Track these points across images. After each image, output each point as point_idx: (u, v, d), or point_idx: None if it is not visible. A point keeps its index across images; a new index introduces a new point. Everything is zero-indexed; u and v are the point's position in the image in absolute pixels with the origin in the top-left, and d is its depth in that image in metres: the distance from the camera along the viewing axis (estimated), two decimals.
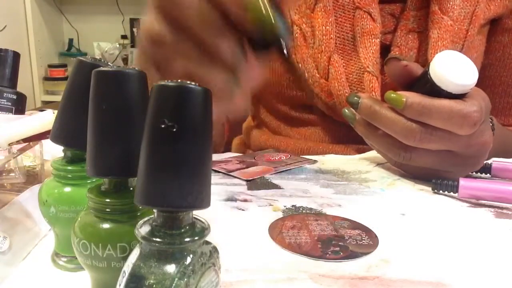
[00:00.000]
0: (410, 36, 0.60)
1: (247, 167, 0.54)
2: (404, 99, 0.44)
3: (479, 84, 0.46)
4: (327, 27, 0.58)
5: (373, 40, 0.58)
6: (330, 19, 0.58)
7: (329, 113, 0.63)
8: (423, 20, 0.60)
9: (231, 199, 0.45)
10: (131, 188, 0.26)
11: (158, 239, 0.21)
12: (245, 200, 0.45)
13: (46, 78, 2.39)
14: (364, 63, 0.58)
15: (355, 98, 0.48)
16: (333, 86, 0.59)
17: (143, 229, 0.22)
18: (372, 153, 0.60)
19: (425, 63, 0.58)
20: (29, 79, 2.31)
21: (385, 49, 0.60)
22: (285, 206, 0.43)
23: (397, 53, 0.60)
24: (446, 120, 0.44)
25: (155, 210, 0.22)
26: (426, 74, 0.45)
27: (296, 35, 0.60)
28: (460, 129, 0.44)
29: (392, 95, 0.45)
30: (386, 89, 0.61)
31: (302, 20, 0.59)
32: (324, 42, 0.58)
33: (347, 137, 0.64)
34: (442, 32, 0.58)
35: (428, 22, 0.59)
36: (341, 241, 0.37)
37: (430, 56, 0.58)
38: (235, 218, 0.41)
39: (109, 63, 0.29)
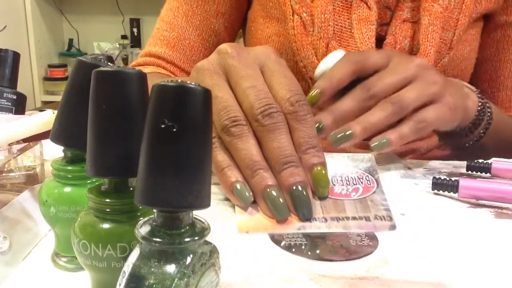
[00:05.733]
0: (404, 26, 0.62)
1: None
2: (316, 90, 0.46)
3: (477, 79, 0.46)
4: (325, 15, 0.60)
5: (369, 27, 0.60)
6: (329, 8, 0.60)
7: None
8: (416, 11, 0.62)
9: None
10: (131, 188, 0.26)
11: (158, 239, 0.21)
12: None
13: (46, 78, 2.39)
14: (360, 47, 0.60)
15: (318, 125, 0.44)
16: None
17: (143, 229, 0.22)
18: (372, 154, 0.60)
19: (418, 51, 0.61)
20: (29, 79, 2.31)
21: (381, 40, 0.62)
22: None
23: (392, 41, 0.62)
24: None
25: (155, 210, 0.22)
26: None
27: (297, 23, 0.62)
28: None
29: (308, 96, 0.46)
30: None
31: (302, 9, 0.61)
32: (323, 29, 0.60)
33: None
34: (432, 19, 0.60)
35: (420, 11, 0.62)
36: (341, 241, 0.36)
37: (421, 42, 0.60)
38: (235, 218, 0.41)
39: (109, 63, 0.29)
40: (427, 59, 0.59)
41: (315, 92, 0.46)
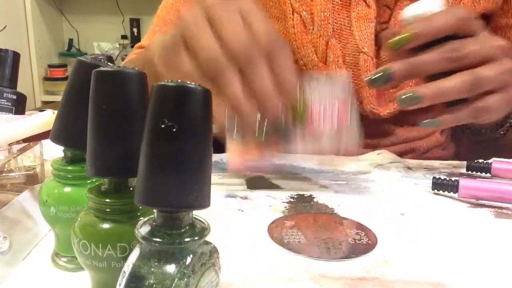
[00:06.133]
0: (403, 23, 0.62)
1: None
2: (410, 30, 0.44)
3: None
4: (325, 13, 0.61)
5: (368, 24, 0.61)
6: (328, 6, 0.61)
7: None
8: None
9: (231, 197, 0.45)
10: (131, 188, 0.26)
11: (158, 239, 0.21)
12: (245, 200, 0.45)
13: (46, 78, 2.39)
14: (360, 44, 0.60)
15: (386, 72, 0.44)
16: (331, 69, 0.61)
17: (143, 229, 0.22)
18: (372, 154, 0.60)
19: None
20: (29, 79, 2.31)
21: (380, 38, 0.62)
22: (284, 206, 0.43)
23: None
24: (450, 17, 0.44)
25: (155, 210, 0.22)
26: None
27: (297, 22, 0.62)
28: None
29: (399, 37, 0.44)
30: None
31: (302, 7, 0.62)
32: (323, 27, 0.61)
33: None
34: None
35: None
36: (341, 241, 0.37)
37: None
38: (235, 218, 0.41)
39: (109, 63, 0.29)
40: None
41: (409, 33, 0.44)
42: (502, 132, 0.56)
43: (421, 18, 0.45)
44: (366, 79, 0.46)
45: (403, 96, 0.44)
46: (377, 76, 0.45)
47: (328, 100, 0.43)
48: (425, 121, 0.45)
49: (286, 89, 0.40)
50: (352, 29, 0.61)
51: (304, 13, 0.62)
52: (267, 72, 0.39)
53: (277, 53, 0.40)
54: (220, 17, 0.40)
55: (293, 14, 0.62)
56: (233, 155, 0.42)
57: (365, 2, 0.61)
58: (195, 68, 0.40)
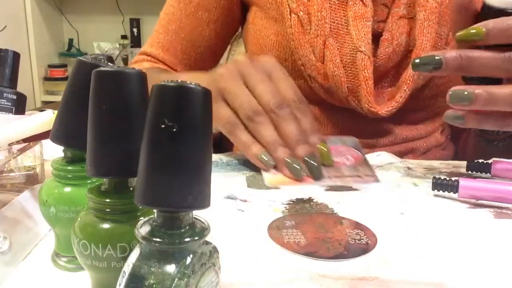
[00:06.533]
0: (401, 21, 0.62)
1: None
2: (482, 28, 0.41)
3: None
4: (322, 13, 0.61)
5: (365, 23, 0.61)
6: (325, 6, 0.61)
7: (326, 97, 0.65)
8: (412, 7, 0.62)
9: (231, 199, 0.45)
10: (131, 188, 0.26)
11: (158, 239, 0.21)
12: (245, 200, 0.45)
13: (46, 78, 2.39)
14: (357, 43, 0.60)
15: (436, 57, 0.43)
16: (328, 68, 0.61)
17: (143, 229, 0.22)
18: (372, 155, 0.60)
19: (415, 47, 0.60)
20: (29, 79, 2.31)
21: (378, 37, 0.63)
22: (284, 206, 0.43)
23: (388, 37, 0.62)
24: None
25: (155, 210, 0.22)
26: (484, 8, 0.43)
27: (294, 22, 0.62)
28: None
29: (467, 31, 0.42)
30: (378, 70, 0.62)
31: (299, 8, 0.62)
32: (320, 27, 0.61)
33: (348, 132, 0.65)
34: (427, 14, 0.60)
35: (416, 7, 0.62)
36: (341, 240, 0.37)
37: (417, 38, 0.60)
38: (235, 218, 0.41)
39: (109, 63, 0.29)
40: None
41: (480, 30, 0.41)
42: None
43: (503, 13, 0.42)
44: (413, 61, 0.44)
45: (454, 91, 0.42)
46: (425, 59, 0.43)
47: (342, 145, 0.58)
48: (449, 113, 0.43)
49: (312, 133, 0.51)
50: (349, 28, 0.61)
51: (301, 13, 0.62)
52: (295, 120, 0.50)
53: (301, 106, 0.51)
54: (250, 75, 0.51)
55: (290, 15, 0.62)
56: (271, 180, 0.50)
57: (362, 1, 0.61)
58: (234, 115, 0.51)
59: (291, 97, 0.51)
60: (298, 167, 0.49)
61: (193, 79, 0.28)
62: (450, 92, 0.42)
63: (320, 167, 0.50)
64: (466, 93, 0.41)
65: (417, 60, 0.44)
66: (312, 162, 0.50)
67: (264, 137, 0.50)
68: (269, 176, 0.50)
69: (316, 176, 0.50)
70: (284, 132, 0.50)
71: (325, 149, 0.52)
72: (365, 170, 0.53)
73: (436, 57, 0.43)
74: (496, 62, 0.41)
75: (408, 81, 0.61)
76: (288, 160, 0.49)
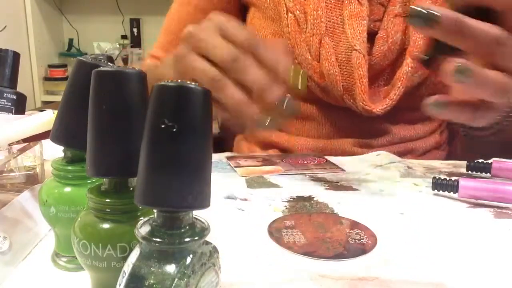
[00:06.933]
0: (396, 20, 0.63)
1: (261, 165, 0.57)
2: None
3: None
4: (318, 12, 0.61)
5: (360, 22, 0.61)
6: (321, 5, 0.61)
7: (322, 96, 0.65)
8: (408, 6, 0.63)
9: (231, 198, 0.45)
10: (131, 188, 0.26)
11: (158, 239, 0.21)
12: (245, 199, 0.45)
13: (46, 78, 2.39)
14: (352, 42, 0.61)
15: (434, 12, 0.39)
16: (324, 67, 0.62)
17: (143, 229, 0.22)
18: (372, 155, 0.60)
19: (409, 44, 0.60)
20: (29, 79, 2.31)
21: (373, 35, 0.63)
22: (284, 206, 0.43)
23: (384, 35, 0.62)
24: None
25: (155, 210, 0.22)
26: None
27: (291, 21, 0.63)
28: None
29: None
30: (373, 69, 0.63)
31: (296, 7, 0.62)
32: (316, 26, 0.61)
33: (346, 131, 0.65)
34: None
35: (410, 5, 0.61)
36: (340, 240, 0.37)
37: (411, 35, 0.61)
38: (235, 218, 0.41)
39: (109, 63, 0.29)
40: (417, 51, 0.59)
41: None
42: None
43: None
44: (411, 9, 0.40)
45: (460, 65, 0.37)
46: (421, 11, 0.39)
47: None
48: (431, 101, 0.41)
49: (280, 71, 0.43)
50: (344, 27, 0.62)
51: (298, 12, 0.62)
52: (255, 67, 0.43)
53: (257, 49, 0.44)
54: (200, 42, 0.45)
55: (287, 14, 0.63)
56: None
57: (358, 0, 0.61)
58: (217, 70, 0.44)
59: (242, 44, 0.44)
60: (269, 123, 0.45)
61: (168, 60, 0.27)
62: (455, 67, 0.38)
63: (292, 103, 0.45)
64: (466, 66, 0.37)
65: (415, 10, 0.39)
66: (284, 102, 0.44)
67: (227, 101, 0.44)
68: (240, 169, 0.54)
69: (291, 112, 0.45)
70: (246, 85, 0.44)
71: (297, 69, 0.47)
72: (331, 165, 0.58)
73: (434, 12, 0.39)
74: (490, 30, 0.37)
75: (402, 79, 0.61)
76: (259, 120, 0.45)
